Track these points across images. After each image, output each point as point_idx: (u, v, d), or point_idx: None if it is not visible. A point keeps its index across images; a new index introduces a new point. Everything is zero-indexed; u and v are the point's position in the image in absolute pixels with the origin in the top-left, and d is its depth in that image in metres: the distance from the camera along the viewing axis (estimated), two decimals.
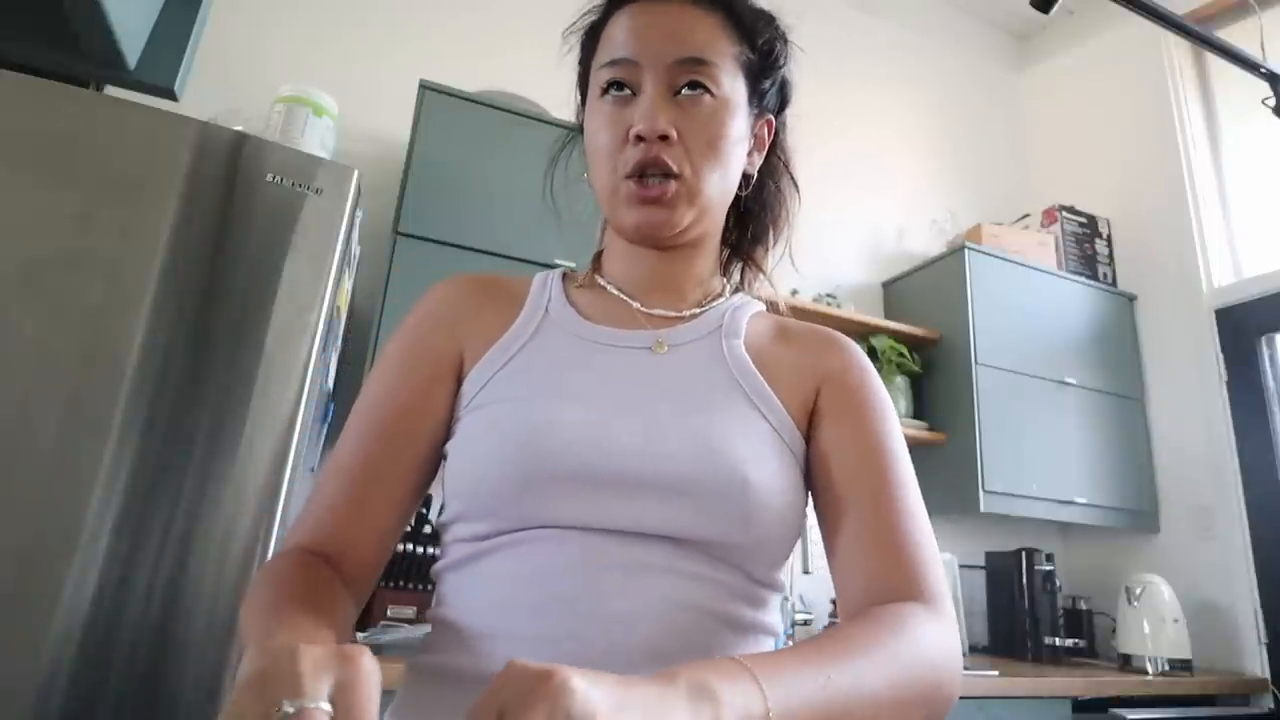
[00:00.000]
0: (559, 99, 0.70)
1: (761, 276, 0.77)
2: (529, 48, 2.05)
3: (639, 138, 0.59)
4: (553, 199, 0.76)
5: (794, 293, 2.44)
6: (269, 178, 1.23)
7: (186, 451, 1.10)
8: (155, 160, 1.17)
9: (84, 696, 0.99)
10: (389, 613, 1.63)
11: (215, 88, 1.83)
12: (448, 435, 0.63)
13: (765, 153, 0.71)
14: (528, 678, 0.33)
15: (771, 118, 0.71)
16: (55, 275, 1.08)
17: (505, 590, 0.54)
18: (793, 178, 0.76)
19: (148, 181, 1.16)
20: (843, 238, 2.78)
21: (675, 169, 0.60)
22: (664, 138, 0.59)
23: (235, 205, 1.20)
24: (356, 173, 1.30)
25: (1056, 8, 1.25)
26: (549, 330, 0.65)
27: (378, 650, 1.41)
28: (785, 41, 0.69)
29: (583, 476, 0.55)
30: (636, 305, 0.67)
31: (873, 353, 2.40)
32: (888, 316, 2.65)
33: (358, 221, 1.41)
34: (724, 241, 0.75)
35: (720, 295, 0.71)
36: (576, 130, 0.73)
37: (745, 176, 0.69)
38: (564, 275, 0.72)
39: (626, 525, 0.54)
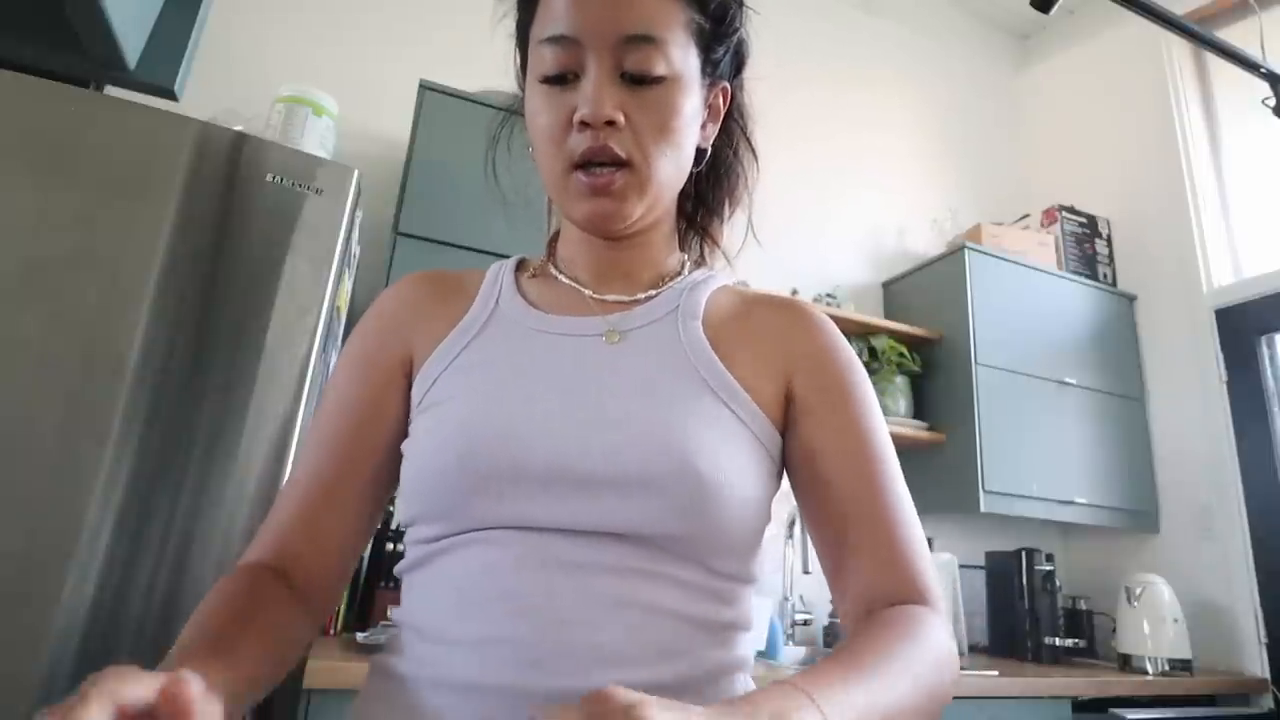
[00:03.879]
0: None
1: (718, 250, 0.74)
2: None
3: (584, 123, 0.56)
4: (496, 180, 0.73)
5: (794, 292, 2.44)
6: (269, 178, 1.23)
7: (186, 451, 1.10)
8: (155, 160, 1.17)
9: None
10: (389, 613, 1.63)
11: (215, 88, 1.83)
12: (405, 438, 0.61)
13: (720, 122, 0.67)
14: (615, 702, 0.33)
15: (727, 85, 0.66)
16: (55, 275, 1.08)
17: (456, 592, 0.53)
18: (751, 144, 0.72)
19: (148, 181, 1.15)
20: (843, 238, 2.77)
21: (624, 156, 0.57)
22: (611, 123, 0.56)
23: (235, 205, 1.20)
24: (356, 172, 1.30)
25: (1056, 8, 1.25)
26: (498, 323, 0.63)
27: (377, 650, 1.40)
28: (739, 3, 0.64)
29: (530, 475, 0.52)
30: (589, 293, 0.64)
31: (873, 353, 2.41)
32: (888, 316, 2.65)
33: (358, 221, 1.41)
34: (680, 213, 0.71)
35: (679, 273, 0.68)
36: (518, 107, 0.68)
37: (700, 151, 0.65)
38: (518, 264, 0.70)
39: (578, 523, 0.52)
